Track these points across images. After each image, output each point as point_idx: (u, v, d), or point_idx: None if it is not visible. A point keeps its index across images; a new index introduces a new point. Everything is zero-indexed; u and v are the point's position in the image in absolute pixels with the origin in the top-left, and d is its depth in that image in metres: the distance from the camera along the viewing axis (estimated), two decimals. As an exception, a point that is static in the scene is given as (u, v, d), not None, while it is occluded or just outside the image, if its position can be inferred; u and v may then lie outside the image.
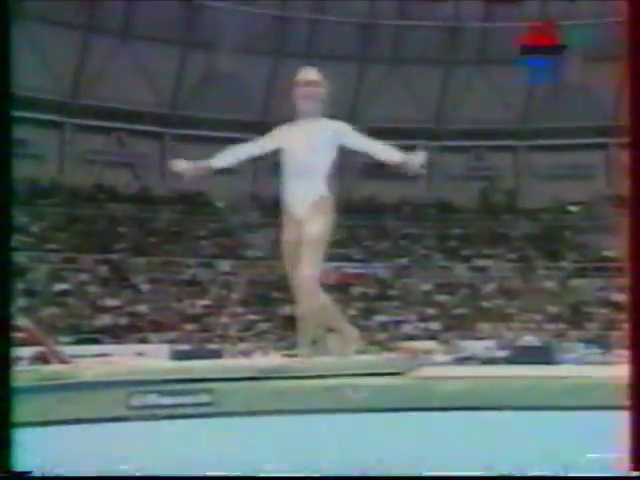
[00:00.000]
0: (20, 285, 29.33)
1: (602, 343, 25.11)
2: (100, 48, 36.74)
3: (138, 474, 4.84)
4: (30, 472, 3.74)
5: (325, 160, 7.54)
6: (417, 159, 7.43)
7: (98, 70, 36.80)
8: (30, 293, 29.74)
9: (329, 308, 7.44)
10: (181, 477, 4.50)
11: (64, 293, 31.31)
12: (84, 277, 32.53)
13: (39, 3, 34.31)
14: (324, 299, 7.38)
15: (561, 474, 3.47)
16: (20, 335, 20.52)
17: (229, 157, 7.78)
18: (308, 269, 7.25)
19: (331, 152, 7.57)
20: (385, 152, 7.66)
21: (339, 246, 35.92)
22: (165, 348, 26.85)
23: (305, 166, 7.43)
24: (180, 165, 7.56)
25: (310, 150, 7.42)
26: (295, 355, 7.38)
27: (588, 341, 27.51)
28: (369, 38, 36.55)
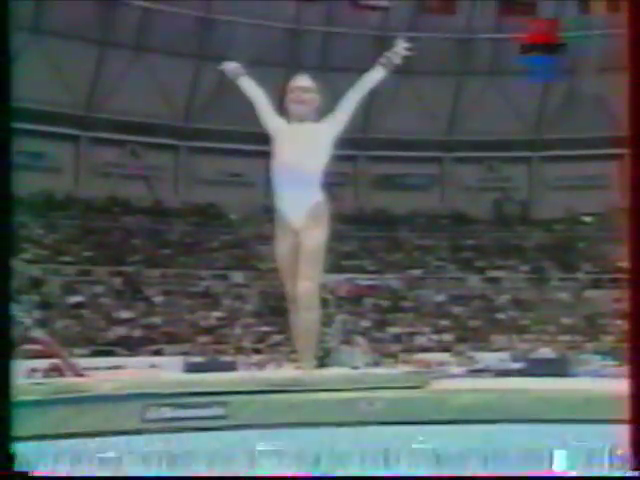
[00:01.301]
0: (35, 297, 29.38)
1: (618, 355, 24.93)
2: (115, 62, 36.85)
3: (137, 474, 4.80)
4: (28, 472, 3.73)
5: (318, 165, 7.28)
6: (395, 51, 7.55)
7: (113, 83, 36.91)
8: (45, 305, 29.79)
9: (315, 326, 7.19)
10: (182, 477, 4.45)
11: (78, 305, 31.35)
12: (98, 289, 32.57)
13: (55, 18, 34.45)
14: (317, 315, 7.15)
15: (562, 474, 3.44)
16: (35, 347, 20.56)
17: (250, 88, 7.59)
18: (308, 281, 7.05)
19: (324, 156, 7.32)
20: (367, 82, 7.66)
21: (352, 258, 35.88)
22: (179, 360, 26.84)
23: (298, 172, 7.17)
24: (229, 64, 7.57)
25: (302, 156, 7.19)
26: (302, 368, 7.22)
27: (604, 353, 27.33)
28: (382, 50, 36.55)
